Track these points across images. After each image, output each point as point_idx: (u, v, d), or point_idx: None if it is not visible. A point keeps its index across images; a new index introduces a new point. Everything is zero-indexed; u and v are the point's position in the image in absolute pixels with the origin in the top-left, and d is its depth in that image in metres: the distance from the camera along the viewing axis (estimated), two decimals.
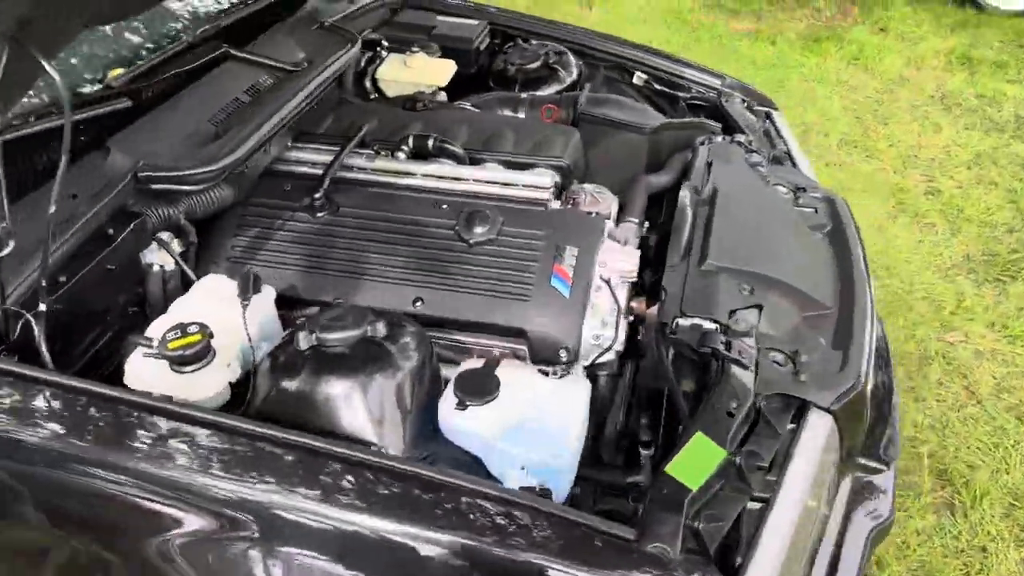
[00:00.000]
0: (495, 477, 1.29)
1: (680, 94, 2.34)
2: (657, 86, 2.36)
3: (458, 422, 1.29)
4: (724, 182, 1.77)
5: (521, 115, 2.14)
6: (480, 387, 1.32)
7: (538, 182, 1.76)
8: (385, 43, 2.28)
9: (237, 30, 2.05)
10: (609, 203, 1.85)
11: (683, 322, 1.39)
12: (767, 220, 1.69)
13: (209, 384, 1.31)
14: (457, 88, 2.31)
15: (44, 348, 1.26)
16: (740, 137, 2.00)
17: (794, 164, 2.05)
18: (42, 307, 1.27)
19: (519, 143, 1.89)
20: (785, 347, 1.39)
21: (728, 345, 1.32)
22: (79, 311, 1.43)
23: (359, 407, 1.27)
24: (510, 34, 2.47)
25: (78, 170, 1.54)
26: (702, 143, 1.97)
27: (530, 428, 1.28)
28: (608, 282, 1.59)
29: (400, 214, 1.68)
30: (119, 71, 1.77)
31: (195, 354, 1.29)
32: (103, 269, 1.48)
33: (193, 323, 1.31)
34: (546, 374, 1.43)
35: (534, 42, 2.40)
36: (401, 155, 1.84)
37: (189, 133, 1.66)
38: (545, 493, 1.22)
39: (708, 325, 1.38)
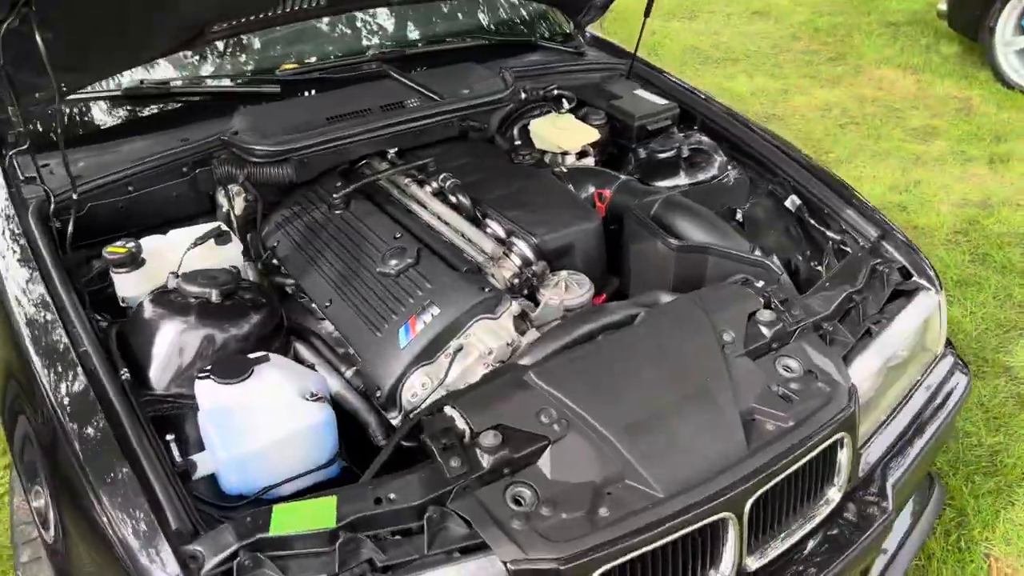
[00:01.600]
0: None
1: (830, 234, 2.02)
2: (809, 218, 2.06)
3: (197, 385, 1.52)
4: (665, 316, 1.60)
5: (606, 192, 2.10)
6: (233, 368, 1.51)
7: (487, 249, 1.81)
8: (567, 102, 2.41)
9: (426, 58, 2.42)
10: (582, 293, 1.78)
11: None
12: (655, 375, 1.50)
13: (127, 285, 1.77)
14: (613, 158, 2.36)
15: (71, 229, 1.83)
16: (775, 294, 1.71)
17: None
18: (73, 196, 1.85)
19: (529, 208, 1.92)
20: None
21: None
22: (133, 213, 2.00)
23: (160, 341, 1.59)
24: (706, 125, 2.37)
25: (205, 125, 2.10)
26: (736, 283, 1.75)
27: (232, 419, 1.44)
28: (455, 352, 1.61)
29: (371, 231, 1.89)
30: (291, 65, 2.31)
31: (120, 261, 1.75)
32: (169, 192, 2.04)
33: (132, 242, 1.78)
34: (307, 397, 1.54)
35: (695, 135, 2.28)
36: (426, 187, 2.03)
37: (297, 122, 2.10)
38: (185, 475, 1.40)
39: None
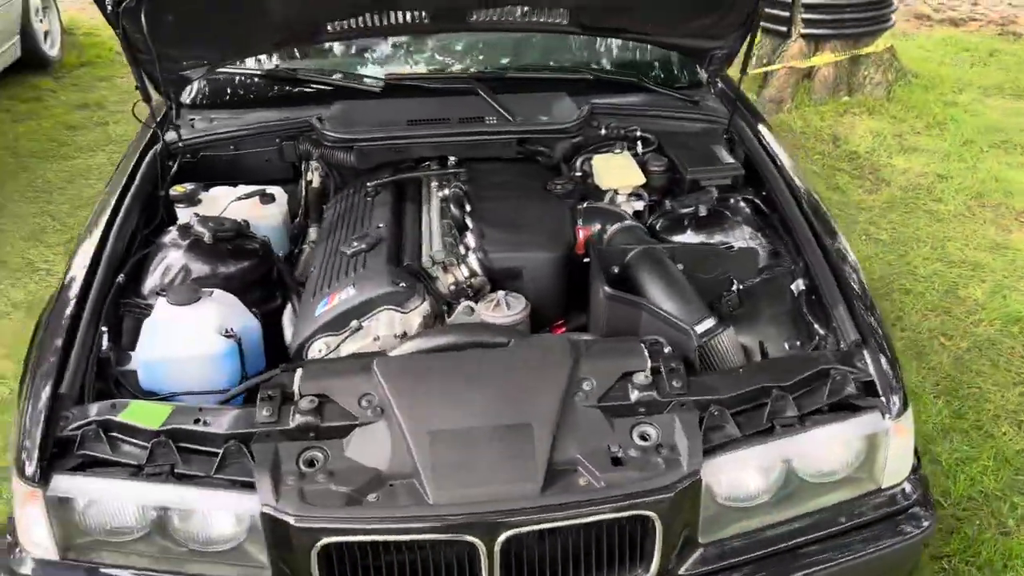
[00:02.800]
0: None
1: (816, 327, 1.86)
2: (804, 307, 1.92)
3: (157, 300, 1.88)
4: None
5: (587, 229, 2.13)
6: (182, 294, 1.84)
7: (436, 254, 1.97)
8: (641, 144, 2.43)
9: (527, 83, 2.59)
10: (514, 313, 1.87)
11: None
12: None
13: (183, 218, 2.20)
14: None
15: (174, 168, 2.33)
16: (668, 362, 1.65)
17: None
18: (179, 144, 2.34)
19: (507, 229, 2.03)
20: None
21: None
22: (235, 167, 2.44)
23: (156, 259, 1.99)
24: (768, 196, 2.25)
25: (314, 108, 2.49)
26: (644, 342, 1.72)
27: (158, 331, 1.78)
28: (353, 330, 1.80)
29: (371, 217, 2.13)
30: (403, 70, 2.62)
31: (179, 197, 2.20)
32: (261, 157, 2.46)
33: (194, 186, 2.22)
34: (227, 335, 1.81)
35: (732, 198, 2.18)
36: (440, 192, 2.22)
37: (378, 120, 2.41)
38: (107, 361, 1.76)
39: None
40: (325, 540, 1.44)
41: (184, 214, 2.21)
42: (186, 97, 2.59)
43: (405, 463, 1.50)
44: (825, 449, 1.67)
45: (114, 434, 1.58)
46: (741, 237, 2.09)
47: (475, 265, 1.96)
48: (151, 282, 1.96)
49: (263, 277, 2.07)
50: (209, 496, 1.52)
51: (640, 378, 1.61)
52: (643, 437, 1.58)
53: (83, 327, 1.75)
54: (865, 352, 1.73)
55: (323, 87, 2.56)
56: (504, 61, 2.75)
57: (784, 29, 5.55)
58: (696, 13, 2.35)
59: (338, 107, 2.44)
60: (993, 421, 2.79)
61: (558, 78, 2.63)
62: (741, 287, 2.00)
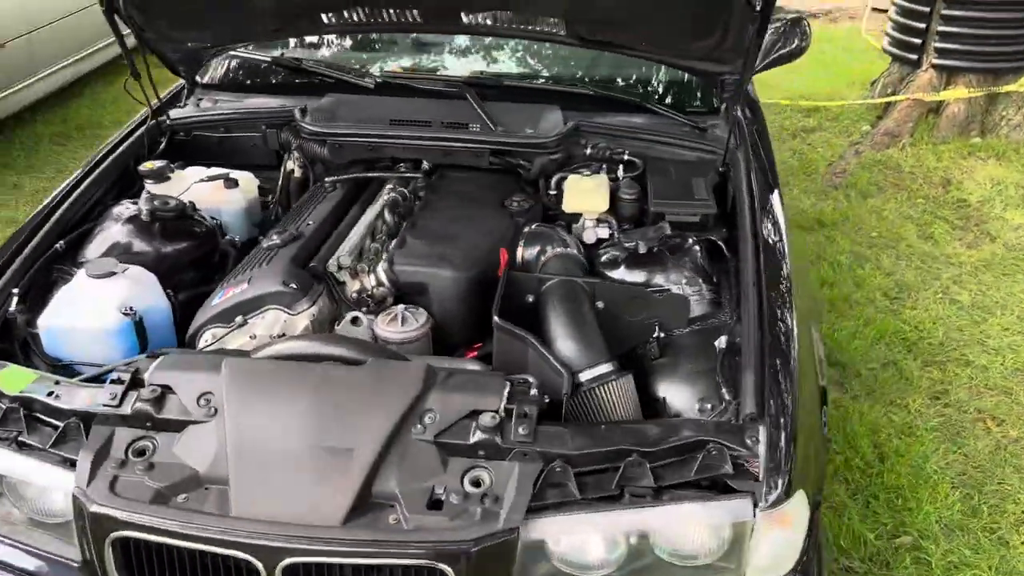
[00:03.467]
0: None
1: (724, 391, 1.68)
2: (718, 367, 1.73)
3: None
4: None
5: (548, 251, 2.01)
6: (98, 267, 1.87)
7: (344, 260, 1.93)
8: (623, 168, 2.27)
9: (525, 93, 2.48)
10: (410, 329, 1.80)
11: None
12: None
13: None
14: None
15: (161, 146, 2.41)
16: (523, 406, 1.53)
17: None
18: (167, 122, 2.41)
19: (432, 243, 1.96)
20: None
21: None
22: (224, 149, 2.49)
23: (96, 228, 2.06)
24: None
25: (307, 98, 2.50)
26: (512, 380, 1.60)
27: (65, 299, 1.83)
28: (238, 325, 1.78)
29: (313, 212, 2.12)
30: (395, 68, 2.57)
31: (149, 173, 2.25)
32: (248, 141, 2.49)
33: (164, 163, 2.27)
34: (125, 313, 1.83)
35: (685, 240, 1.99)
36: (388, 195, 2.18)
37: (360, 116, 2.38)
38: (13, 321, 1.83)
39: None
40: (117, 533, 1.43)
41: (154, 190, 2.28)
42: (204, 77, 2.67)
43: (223, 469, 1.47)
44: (683, 529, 1.49)
45: None
46: (677, 281, 1.90)
47: (381, 275, 1.90)
48: (89, 252, 2.03)
49: (202, 259, 2.10)
50: (41, 469, 1.55)
51: (486, 419, 1.50)
52: (475, 483, 1.46)
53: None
54: (759, 429, 1.53)
55: (323, 78, 2.55)
56: (505, 68, 2.65)
57: (914, 57, 5.09)
58: (692, 34, 2.17)
59: (328, 100, 2.44)
60: (1013, 528, 2.42)
61: (558, 91, 2.50)
62: (663, 335, 1.83)
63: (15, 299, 1.85)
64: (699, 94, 2.58)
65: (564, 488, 1.46)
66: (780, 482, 1.48)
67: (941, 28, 4.88)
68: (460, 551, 1.37)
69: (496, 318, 1.72)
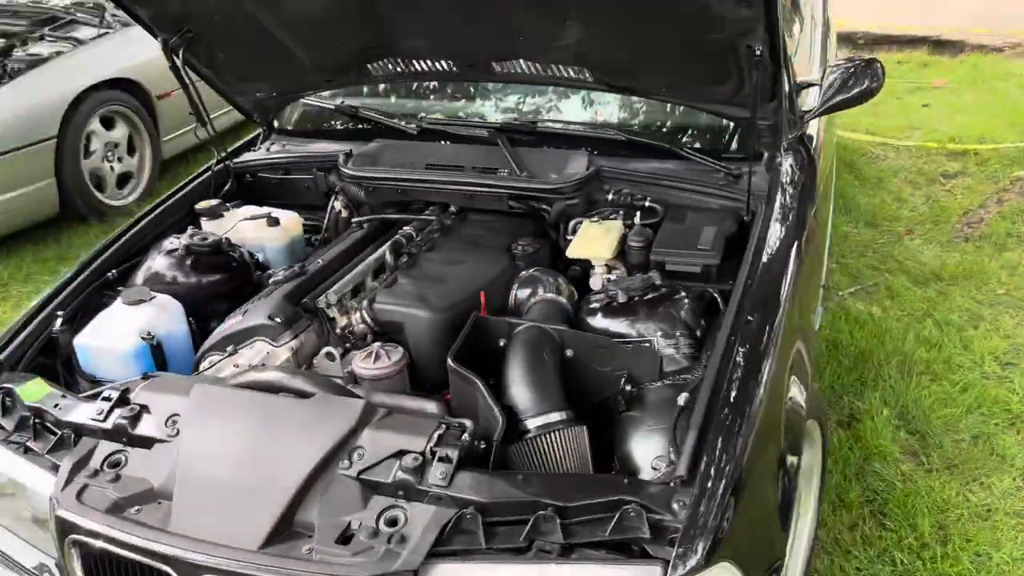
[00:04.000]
0: None
1: (671, 454, 1.61)
2: (674, 426, 1.67)
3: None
4: None
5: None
6: (133, 295, 2.08)
7: (333, 298, 2.03)
8: (640, 215, 2.23)
9: (559, 138, 2.50)
10: (382, 366, 1.86)
11: None
12: None
13: (207, 228, 2.48)
14: None
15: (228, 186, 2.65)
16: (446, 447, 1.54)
17: None
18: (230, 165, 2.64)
19: (421, 283, 2.02)
20: None
21: None
22: (283, 189, 2.69)
23: (148, 268, 2.28)
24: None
25: (353, 144, 2.65)
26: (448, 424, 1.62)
27: (101, 322, 2.05)
28: (228, 353, 1.93)
29: (328, 248, 2.26)
30: (435, 115, 2.67)
31: (203, 211, 2.48)
32: (303, 183, 2.67)
33: (219, 202, 2.49)
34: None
35: (675, 291, 1.92)
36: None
37: (399, 162, 2.49)
38: (56, 341, 2.07)
39: None
40: (74, 536, 1.59)
41: (208, 226, 2.50)
42: (279, 123, 2.90)
43: (172, 486, 1.60)
44: None
45: (8, 400, 1.88)
46: (653, 333, 1.84)
47: (365, 313, 1.98)
48: (135, 280, 2.26)
49: (235, 291, 2.27)
50: (36, 473, 1.74)
51: (408, 460, 1.53)
52: (391, 522, 1.50)
53: (46, 308, 2.09)
54: (690, 493, 1.46)
55: (375, 124, 2.70)
56: (541, 114, 2.68)
57: None
58: (707, 80, 2.11)
59: (373, 145, 2.58)
60: None
61: (590, 136, 2.49)
62: (632, 388, 1.78)
63: (59, 320, 2.10)
64: (736, 139, 2.48)
65: (472, 536, 1.46)
66: (699, 548, 1.39)
67: None
68: None
69: (450, 360, 1.75)
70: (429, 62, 2.39)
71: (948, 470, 2.67)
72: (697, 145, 2.47)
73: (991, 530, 2.42)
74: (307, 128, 2.89)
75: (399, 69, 2.45)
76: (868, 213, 4.40)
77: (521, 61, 2.26)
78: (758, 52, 1.88)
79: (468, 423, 1.60)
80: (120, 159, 5.07)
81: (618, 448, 1.72)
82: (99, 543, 1.56)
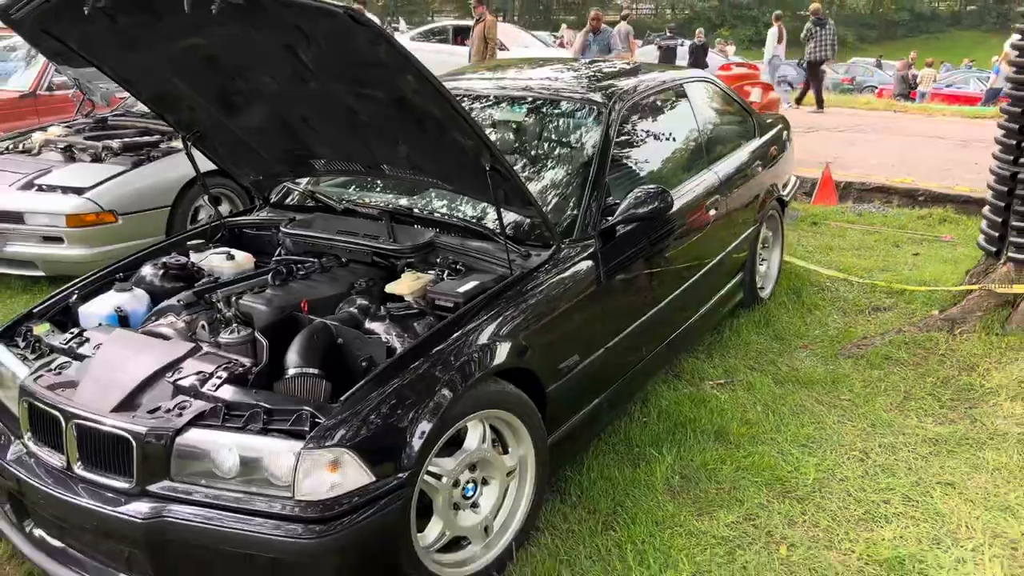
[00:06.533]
0: None
1: None
2: None
3: None
4: None
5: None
6: (123, 285, 3.35)
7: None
8: (437, 270, 3.26)
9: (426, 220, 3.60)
10: (234, 337, 2.98)
11: None
12: None
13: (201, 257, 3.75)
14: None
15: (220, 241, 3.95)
16: None
17: None
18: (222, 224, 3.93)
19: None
20: None
21: None
22: (254, 244, 3.94)
23: (141, 273, 3.56)
24: None
25: (308, 215, 3.88)
26: None
27: (101, 298, 3.34)
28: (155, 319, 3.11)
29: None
30: (355, 199, 3.85)
31: (193, 246, 3.75)
32: (268, 237, 3.92)
33: (204, 243, 3.76)
34: (116, 311, 3.26)
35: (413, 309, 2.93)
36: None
37: (321, 228, 3.68)
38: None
39: None
40: (24, 396, 2.79)
41: (193, 257, 3.76)
42: (274, 197, 4.19)
43: (82, 378, 2.78)
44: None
45: (28, 332, 3.15)
46: (389, 333, 2.88)
47: (235, 306, 3.12)
48: (133, 279, 3.53)
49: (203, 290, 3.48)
50: (21, 368, 2.97)
51: (199, 376, 2.65)
52: (181, 407, 2.60)
53: (71, 289, 3.40)
54: (338, 411, 2.47)
55: (320, 202, 3.92)
56: (421, 203, 3.80)
57: (994, 249, 5.14)
58: (478, 186, 3.16)
59: (313, 216, 3.79)
60: None
61: (442, 221, 3.58)
62: (364, 363, 2.80)
63: (75, 296, 3.39)
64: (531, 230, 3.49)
65: (216, 417, 2.52)
66: (329, 437, 2.40)
67: (1016, 223, 4.94)
68: (135, 432, 2.50)
69: (256, 331, 2.86)
70: (343, 163, 3.60)
71: (693, 503, 3.40)
72: (510, 232, 3.50)
73: (690, 543, 3.14)
74: (282, 202, 4.15)
75: (329, 166, 3.68)
76: (782, 329, 5.12)
77: (384, 165, 3.42)
78: (488, 167, 2.94)
79: (247, 361, 2.69)
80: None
81: None
82: (33, 400, 2.75)
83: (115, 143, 6.38)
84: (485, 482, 2.97)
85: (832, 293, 5.76)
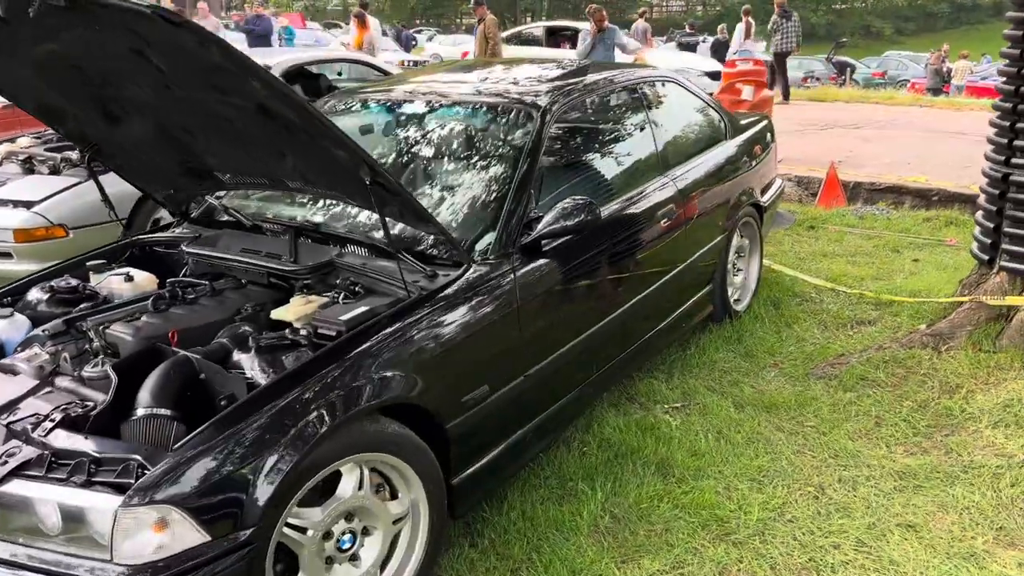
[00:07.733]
0: None
1: None
2: None
3: None
4: None
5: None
6: (4, 311, 3.13)
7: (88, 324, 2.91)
8: (343, 293, 2.98)
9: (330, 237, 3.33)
10: (97, 371, 2.73)
11: None
12: None
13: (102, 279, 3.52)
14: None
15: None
16: None
17: None
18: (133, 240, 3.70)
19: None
20: None
21: None
22: (164, 261, 3.70)
23: (30, 297, 3.33)
24: None
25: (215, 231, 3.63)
26: None
27: None
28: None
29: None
30: (264, 214, 3.59)
31: (94, 267, 3.52)
32: (174, 256, 3.67)
33: (105, 264, 3.53)
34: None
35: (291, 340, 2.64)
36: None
37: (225, 245, 3.42)
38: None
39: None
40: None
41: (93, 279, 3.53)
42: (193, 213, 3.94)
43: None
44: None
45: None
46: (253, 368, 2.61)
47: (103, 335, 2.87)
48: (20, 303, 3.31)
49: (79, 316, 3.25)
50: None
51: (33, 419, 2.40)
52: (10, 454, 2.35)
53: None
54: (169, 459, 2.20)
55: (230, 217, 3.66)
56: (325, 219, 3.51)
57: (986, 258, 4.72)
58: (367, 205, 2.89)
59: (220, 232, 3.54)
60: None
61: (346, 237, 3.30)
62: (224, 401, 2.53)
63: None
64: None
65: (41, 467, 2.27)
66: (148, 493, 2.13)
67: (1009, 229, 4.52)
68: None
69: (109, 367, 2.60)
70: (248, 178, 3.35)
71: (618, 548, 3.08)
72: (423, 250, 3.21)
73: None
74: (195, 218, 3.90)
75: (236, 180, 3.43)
76: (753, 346, 4.76)
77: (284, 179, 3.15)
78: (368, 182, 2.66)
79: (94, 402, 2.43)
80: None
81: None
82: None
83: (74, 154, 6.20)
84: (367, 532, 2.68)
85: (815, 305, 5.37)
